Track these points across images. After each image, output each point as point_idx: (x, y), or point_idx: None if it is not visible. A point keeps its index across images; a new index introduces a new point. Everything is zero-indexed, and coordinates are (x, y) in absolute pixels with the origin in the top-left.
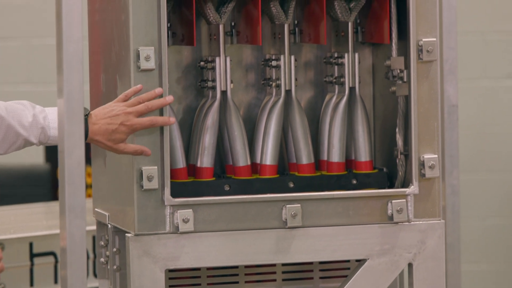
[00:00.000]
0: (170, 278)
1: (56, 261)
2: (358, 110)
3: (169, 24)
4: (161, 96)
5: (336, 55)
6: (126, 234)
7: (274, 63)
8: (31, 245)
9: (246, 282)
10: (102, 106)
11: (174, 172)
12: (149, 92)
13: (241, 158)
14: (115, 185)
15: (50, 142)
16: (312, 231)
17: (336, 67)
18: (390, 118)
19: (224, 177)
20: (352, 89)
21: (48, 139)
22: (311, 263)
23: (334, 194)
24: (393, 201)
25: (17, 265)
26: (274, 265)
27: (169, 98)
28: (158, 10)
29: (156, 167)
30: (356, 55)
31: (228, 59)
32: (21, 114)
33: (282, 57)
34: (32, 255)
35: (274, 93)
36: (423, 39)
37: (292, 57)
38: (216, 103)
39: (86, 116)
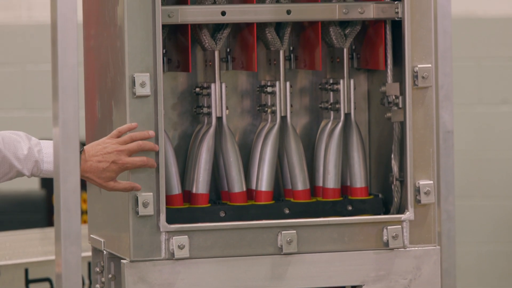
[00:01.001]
0: None
1: None
2: (354, 136)
3: (164, 51)
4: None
5: (331, 81)
6: (122, 261)
7: (269, 89)
8: (26, 271)
9: None
10: (95, 141)
11: (169, 198)
12: (142, 132)
13: (237, 184)
14: (110, 211)
15: (42, 175)
16: (308, 257)
17: (331, 93)
18: (386, 144)
19: (220, 203)
20: (347, 115)
21: (40, 173)
22: None
23: (330, 220)
24: (388, 227)
25: None
26: None
27: (157, 147)
28: (153, 36)
29: (151, 193)
30: (352, 81)
31: (223, 85)
32: (17, 146)
33: (277, 83)
34: (28, 281)
35: (269, 119)
36: (419, 65)
37: (288, 83)
38: (212, 129)
39: (80, 152)
